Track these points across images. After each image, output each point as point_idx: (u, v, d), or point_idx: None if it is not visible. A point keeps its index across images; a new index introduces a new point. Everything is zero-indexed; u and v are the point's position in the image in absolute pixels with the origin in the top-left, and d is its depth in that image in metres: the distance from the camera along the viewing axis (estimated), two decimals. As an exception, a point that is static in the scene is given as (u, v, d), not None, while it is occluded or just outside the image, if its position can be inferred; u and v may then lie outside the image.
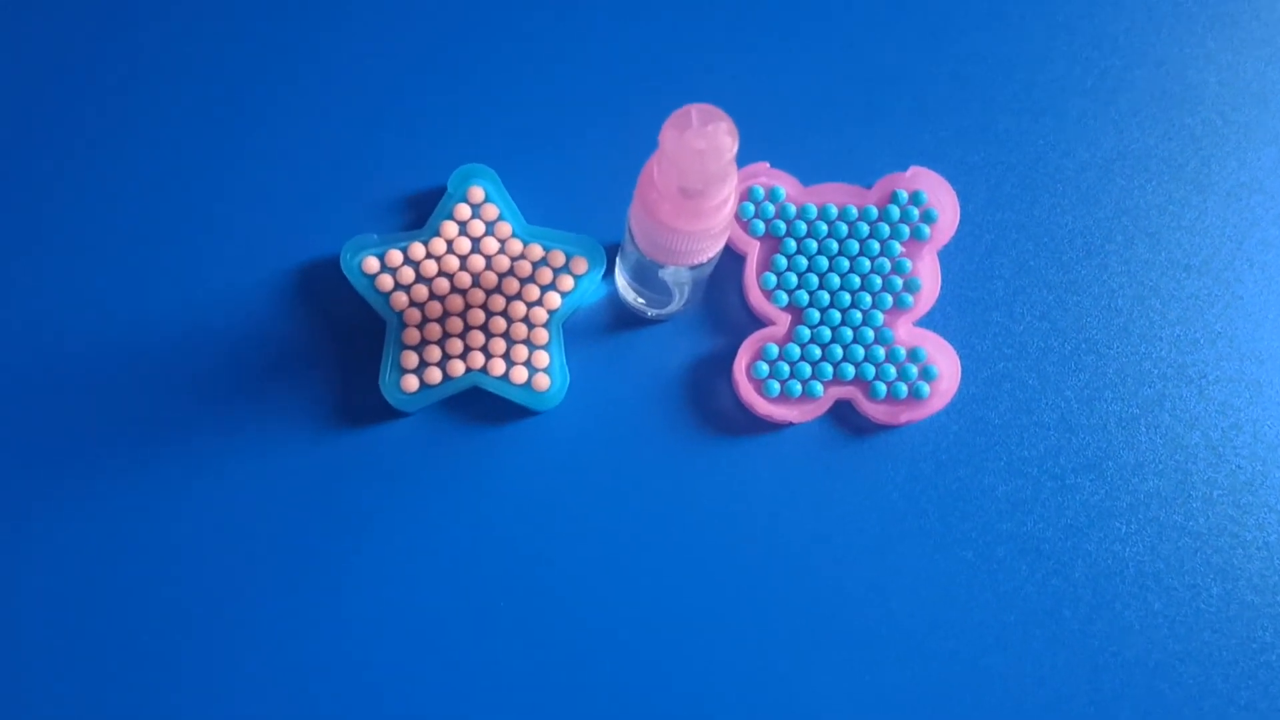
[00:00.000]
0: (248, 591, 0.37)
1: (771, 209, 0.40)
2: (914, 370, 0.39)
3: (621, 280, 0.38)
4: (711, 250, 0.33)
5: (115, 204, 0.40)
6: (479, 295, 0.38)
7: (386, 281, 0.38)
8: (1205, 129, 0.42)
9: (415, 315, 0.38)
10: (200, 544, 0.37)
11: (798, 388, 0.38)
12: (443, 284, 0.38)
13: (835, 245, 0.39)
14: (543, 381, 0.38)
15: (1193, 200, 0.42)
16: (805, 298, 0.39)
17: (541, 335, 0.38)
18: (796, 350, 0.39)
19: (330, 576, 0.37)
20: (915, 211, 0.40)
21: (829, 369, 0.39)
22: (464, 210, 0.39)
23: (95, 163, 0.40)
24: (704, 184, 0.29)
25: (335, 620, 0.37)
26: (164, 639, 0.37)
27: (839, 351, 0.39)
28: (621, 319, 0.40)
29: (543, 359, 0.38)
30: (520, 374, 0.38)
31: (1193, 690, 0.38)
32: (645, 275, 0.35)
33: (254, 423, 0.38)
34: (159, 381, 0.38)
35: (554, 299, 0.38)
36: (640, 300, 0.38)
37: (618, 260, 0.38)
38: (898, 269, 0.39)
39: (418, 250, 0.38)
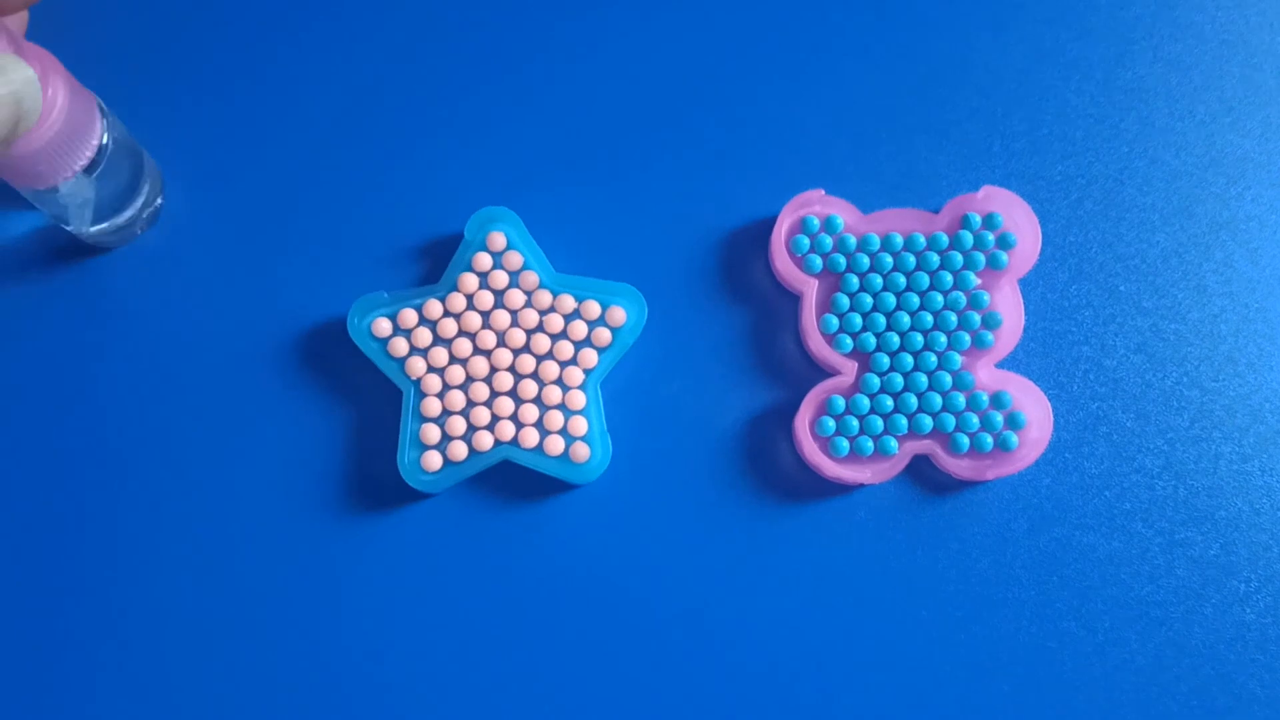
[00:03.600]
0: (264, 688, 0.33)
1: (829, 241, 0.35)
2: (999, 418, 0.34)
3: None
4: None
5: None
6: (505, 357, 0.34)
7: (400, 345, 0.34)
8: (1306, 126, 0.38)
9: (435, 383, 0.34)
10: (207, 641, 0.33)
11: (869, 445, 0.34)
12: (464, 346, 0.34)
13: (902, 280, 0.35)
14: (582, 451, 0.33)
15: (1297, 208, 0.37)
16: (872, 341, 0.35)
17: (578, 399, 0.34)
18: (865, 402, 0.34)
19: (353, 676, 0.33)
20: (990, 237, 0.35)
21: (903, 422, 0.34)
22: (484, 260, 0.34)
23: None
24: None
25: (359, 717, 0.33)
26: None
27: (913, 401, 0.34)
28: (667, 376, 0.35)
29: (580, 426, 0.34)
30: (556, 444, 0.33)
31: (1328, 765, 0.33)
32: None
33: (259, 509, 0.34)
34: (154, 465, 0.34)
35: (590, 357, 0.34)
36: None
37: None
38: (974, 303, 0.35)
39: (434, 308, 0.34)
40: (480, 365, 0.34)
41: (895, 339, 0.35)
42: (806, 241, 0.35)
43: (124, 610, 0.33)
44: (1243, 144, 0.37)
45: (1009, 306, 0.35)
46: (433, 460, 0.33)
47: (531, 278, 0.34)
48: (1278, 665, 0.34)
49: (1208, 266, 0.37)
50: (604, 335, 0.34)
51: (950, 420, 0.34)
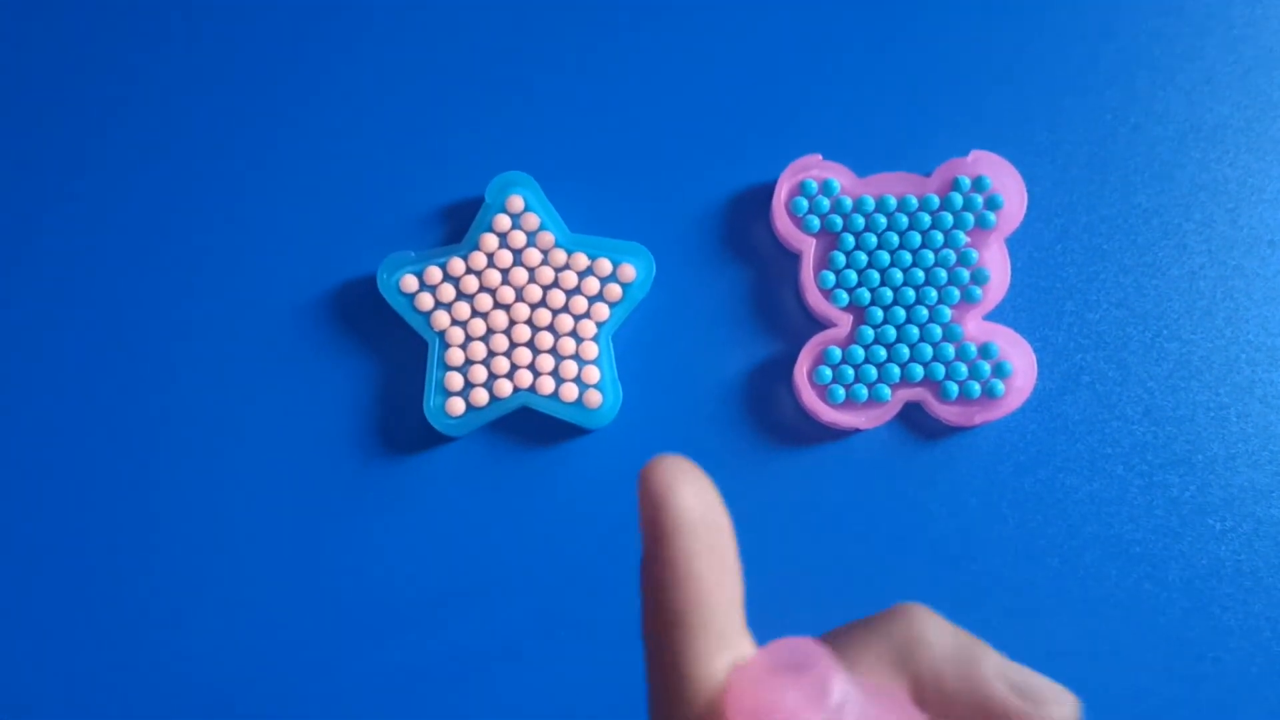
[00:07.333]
0: (300, 624, 0.36)
1: (826, 203, 0.37)
2: (986, 367, 0.36)
3: None
4: None
5: (143, 227, 0.38)
6: (523, 310, 0.36)
7: (426, 300, 0.36)
8: (1284, 94, 0.40)
9: (458, 334, 0.36)
10: (241, 581, 0.36)
11: (864, 392, 0.36)
12: (485, 300, 0.36)
13: (895, 238, 0.37)
14: (594, 398, 0.36)
15: (1274, 171, 0.39)
16: (867, 296, 0.37)
17: (591, 349, 0.36)
18: (860, 352, 0.37)
19: (382, 610, 0.36)
20: (979, 198, 0.37)
21: (896, 370, 0.36)
22: (504, 221, 0.37)
23: (123, 182, 0.38)
24: None
25: (387, 655, 0.36)
26: (203, 673, 0.35)
27: (905, 351, 0.36)
28: (674, 327, 0.38)
29: (593, 374, 0.36)
30: (570, 391, 0.36)
31: (1299, 694, 0.35)
32: None
33: (293, 454, 0.37)
34: (194, 411, 0.37)
35: (602, 310, 0.36)
36: None
37: None
38: (963, 260, 0.37)
39: (457, 265, 0.37)
40: (500, 318, 0.36)
41: (888, 293, 0.37)
42: (805, 203, 0.37)
43: (169, 553, 0.36)
44: (1221, 110, 0.39)
45: (996, 263, 0.37)
46: (456, 406, 0.36)
47: (547, 237, 0.37)
48: (1250, 599, 0.36)
49: (1188, 226, 0.39)
50: (615, 291, 0.37)
51: (940, 369, 0.36)
